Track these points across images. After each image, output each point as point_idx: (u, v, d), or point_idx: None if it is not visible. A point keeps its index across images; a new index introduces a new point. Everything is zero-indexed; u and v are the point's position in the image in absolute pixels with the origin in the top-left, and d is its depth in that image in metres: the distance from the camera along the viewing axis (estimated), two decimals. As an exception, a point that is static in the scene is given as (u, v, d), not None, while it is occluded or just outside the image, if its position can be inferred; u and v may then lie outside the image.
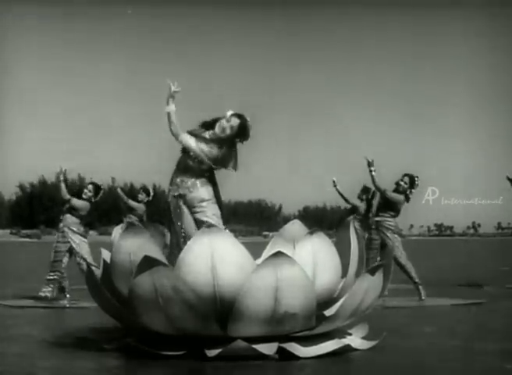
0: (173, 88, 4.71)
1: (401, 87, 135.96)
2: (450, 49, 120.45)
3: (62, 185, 7.63)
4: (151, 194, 9.48)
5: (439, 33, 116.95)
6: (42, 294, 7.47)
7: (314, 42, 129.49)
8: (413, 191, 7.57)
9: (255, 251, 4.42)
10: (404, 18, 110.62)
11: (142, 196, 9.35)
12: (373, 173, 7.40)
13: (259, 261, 4.30)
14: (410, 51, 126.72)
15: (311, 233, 4.27)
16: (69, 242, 7.57)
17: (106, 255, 4.48)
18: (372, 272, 4.19)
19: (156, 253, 4.07)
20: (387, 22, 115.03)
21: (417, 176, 7.64)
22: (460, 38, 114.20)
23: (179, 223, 4.67)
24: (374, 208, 8.76)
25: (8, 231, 62.10)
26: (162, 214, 4.76)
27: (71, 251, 7.62)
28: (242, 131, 4.72)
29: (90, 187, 7.81)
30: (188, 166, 4.73)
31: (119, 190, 9.52)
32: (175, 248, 4.55)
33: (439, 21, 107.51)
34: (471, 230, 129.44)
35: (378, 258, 7.40)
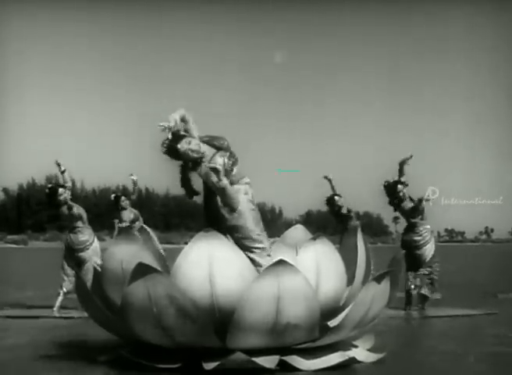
0: None
1: (401, 87, 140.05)
2: (452, 45, 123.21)
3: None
4: (133, 193, 9.39)
5: (442, 28, 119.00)
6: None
7: (314, 42, 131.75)
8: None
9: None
10: (410, 13, 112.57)
11: (125, 202, 9.30)
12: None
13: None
14: (410, 49, 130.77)
15: (315, 238, 4.26)
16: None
17: (95, 261, 4.48)
18: (379, 280, 4.17)
19: (150, 260, 4.07)
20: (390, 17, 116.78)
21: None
22: (463, 33, 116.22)
23: None
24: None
25: (-6, 236, 61.98)
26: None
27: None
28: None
29: (63, 190, 7.60)
30: None
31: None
32: None
33: (445, 16, 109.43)
34: (484, 236, 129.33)
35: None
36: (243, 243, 4.31)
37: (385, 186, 7.60)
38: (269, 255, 4.34)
